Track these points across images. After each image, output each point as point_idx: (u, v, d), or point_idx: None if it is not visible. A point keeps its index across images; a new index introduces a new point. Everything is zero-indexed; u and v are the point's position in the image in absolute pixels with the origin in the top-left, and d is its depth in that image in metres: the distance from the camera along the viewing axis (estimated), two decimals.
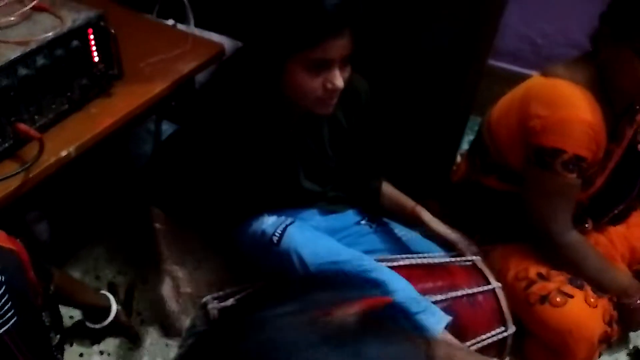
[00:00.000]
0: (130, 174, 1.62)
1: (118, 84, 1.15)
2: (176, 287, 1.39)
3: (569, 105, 1.15)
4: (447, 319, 1.07)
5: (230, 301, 1.16)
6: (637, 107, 1.26)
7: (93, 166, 1.26)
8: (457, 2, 1.31)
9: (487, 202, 1.39)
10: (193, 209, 1.25)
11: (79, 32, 1.02)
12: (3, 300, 0.81)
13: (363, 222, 1.41)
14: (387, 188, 1.37)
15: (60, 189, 1.25)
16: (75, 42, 1.02)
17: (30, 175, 0.95)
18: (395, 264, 1.20)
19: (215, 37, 1.47)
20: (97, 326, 1.31)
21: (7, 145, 0.97)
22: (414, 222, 1.35)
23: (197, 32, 1.48)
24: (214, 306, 1.15)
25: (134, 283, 1.49)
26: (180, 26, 1.47)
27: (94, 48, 1.06)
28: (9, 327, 0.82)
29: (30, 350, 0.88)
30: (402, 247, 1.37)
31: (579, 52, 1.25)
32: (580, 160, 1.15)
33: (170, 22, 1.43)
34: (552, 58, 1.87)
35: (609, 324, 1.22)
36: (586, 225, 1.35)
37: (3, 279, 0.82)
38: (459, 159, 1.66)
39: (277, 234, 1.13)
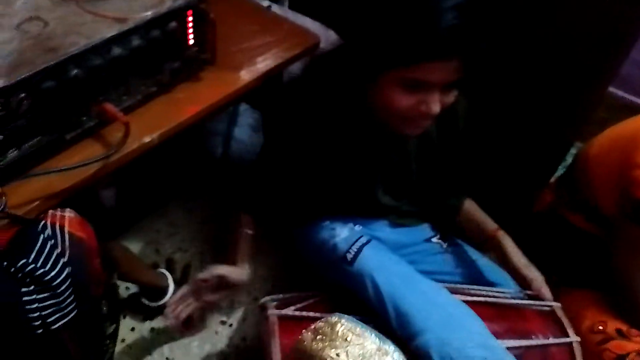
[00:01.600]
0: (202, 155, 1.60)
1: (207, 69, 1.10)
2: None
3: None
4: None
5: (290, 309, 1.11)
6: None
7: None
8: (590, 22, 1.17)
9: (569, 240, 1.29)
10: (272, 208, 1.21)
11: (178, 13, 0.97)
12: (67, 294, 0.79)
13: (434, 239, 1.33)
14: (470, 205, 1.28)
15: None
16: (173, 24, 0.97)
17: (111, 160, 0.92)
18: (468, 298, 1.13)
19: (309, 23, 1.39)
20: (153, 304, 1.31)
21: (91, 124, 0.94)
22: (492, 248, 1.25)
23: (291, 15, 1.41)
24: (273, 312, 1.10)
25: (192, 262, 1.47)
26: (274, 7, 1.39)
27: (190, 31, 1.01)
28: (67, 320, 0.80)
29: (82, 341, 0.86)
30: (473, 274, 1.29)
31: None
32: None
33: (266, 2, 1.35)
34: None
35: None
36: None
37: (70, 271, 0.80)
38: None
39: (351, 251, 1.07)
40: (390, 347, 0.72)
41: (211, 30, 1.02)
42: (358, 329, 0.75)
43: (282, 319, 1.11)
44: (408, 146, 1.15)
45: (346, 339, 0.72)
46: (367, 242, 1.09)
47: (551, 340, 1.11)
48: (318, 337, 0.75)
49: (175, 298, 1.10)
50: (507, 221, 1.35)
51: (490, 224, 1.24)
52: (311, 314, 1.09)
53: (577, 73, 1.22)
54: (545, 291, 1.19)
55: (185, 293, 1.10)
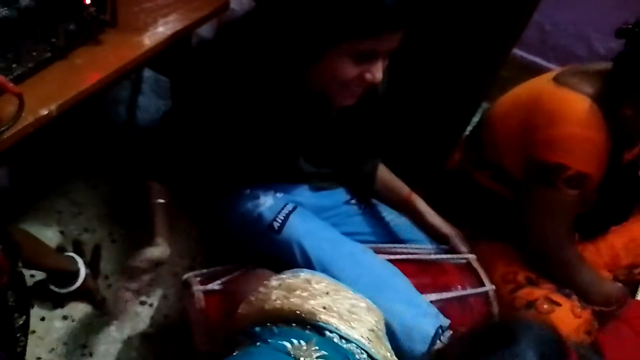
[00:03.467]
0: (104, 125, 1.48)
1: (108, 31, 1.00)
2: None
3: (577, 122, 1.10)
4: (446, 322, 1.03)
5: (216, 284, 1.08)
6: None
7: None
8: None
9: (477, 197, 1.35)
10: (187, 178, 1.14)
11: None
12: None
13: (352, 202, 1.34)
14: (383, 171, 1.30)
15: None
16: None
17: (4, 137, 0.82)
18: (391, 257, 1.15)
19: None
20: (63, 291, 1.21)
21: None
22: (407, 210, 1.29)
23: None
24: (198, 289, 1.06)
25: (102, 243, 1.37)
26: None
27: None
28: None
29: None
30: (390, 233, 1.32)
31: (585, 46, 1.19)
32: (584, 177, 1.12)
33: None
34: (558, 47, 1.82)
35: (589, 333, 1.23)
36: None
37: None
38: None
39: (278, 220, 1.04)
40: (363, 297, 0.71)
41: None
42: (332, 282, 0.72)
43: (207, 293, 1.08)
44: (330, 116, 1.14)
45: (327, 293, 0.70)
46: (293, 209, 1.07)
47: (469, 291, 1.16)
48: (294, 292, 0.69)
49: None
50: (420, 179, 1.40)
51: (403, 189, 1.28)
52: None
53: (484, 35, 1.25)
54: (461, 245, 1.25)
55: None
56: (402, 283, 1.07)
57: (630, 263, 1.38)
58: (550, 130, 1.11)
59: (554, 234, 1.19)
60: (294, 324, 0.66)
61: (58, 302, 1.25)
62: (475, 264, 1.21)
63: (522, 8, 1.24)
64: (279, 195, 1.17)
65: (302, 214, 1.08)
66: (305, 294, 0.69)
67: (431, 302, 1.09)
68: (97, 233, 1.40)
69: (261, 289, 0.72)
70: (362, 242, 1.24)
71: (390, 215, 1.34)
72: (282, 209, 1.07)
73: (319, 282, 0.74)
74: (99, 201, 1.46)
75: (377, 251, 1.17)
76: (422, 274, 1.16)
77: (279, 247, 1.02)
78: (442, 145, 1.50)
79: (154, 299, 1.32)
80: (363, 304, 0.74)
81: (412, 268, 1.16)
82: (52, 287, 1.21)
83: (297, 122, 1.09)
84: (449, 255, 1.22)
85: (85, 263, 1.23)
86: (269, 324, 0.68)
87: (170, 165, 1.11)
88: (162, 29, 1.05)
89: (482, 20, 1.22)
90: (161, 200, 1.10)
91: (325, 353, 0.61)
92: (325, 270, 1.00)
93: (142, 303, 1.31)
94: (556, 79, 1.16)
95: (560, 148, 1.11)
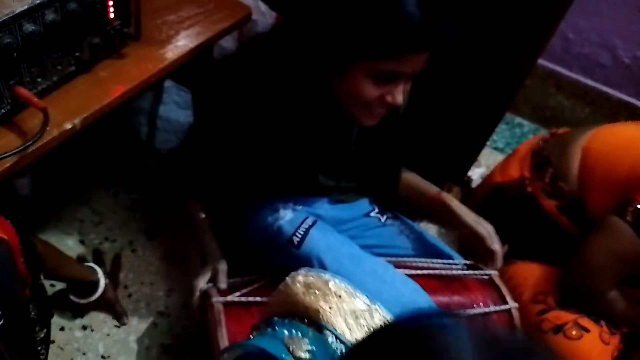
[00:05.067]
0: (125, 134, 1.49)
1: (131, 45, 1.00)
2: None
3: None
4: None
5: (235, 295, 1.07)
6: None
7: None
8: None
9: (538, 224, 1.29)
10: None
11: None
12: None
13: (373, 213, 1.32)
14: (408, 175, 1.27)
15: None
16: None
17: (29, 151, 0.82)
18: (412, 272, 1.13)
19: None
20: (82, 301, 1.22)
21: (3, 111, 0.83)
22: (438, 209, 1.22)
23: None
24: (217, 300, 1.06)
25: (122, 252, 1.38)
26: None
27: (111, 2, 0.91)
28: None
29: (12, 349, 0.78)
30: (412, 246, 1.30)
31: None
32: None
33: None
34: (581, 56, 1.79)
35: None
36: None
37: None
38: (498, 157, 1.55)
39: (298, 234, 1.03)
40: (379, 307, 0.74)
41: (134, 1, 0.92)
42: (349, 288, 0.76)
43: (228, 305, 1.07)
44: (351, 132, 1.13)
45: (339, 296, 0.74)
46: (313, 223, 1.06)
47: (492, 308, 1.14)
48: (310, 290, 0.75)
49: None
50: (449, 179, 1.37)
51: (432, 188, 1.24)
52: (258, 298, 1.06)
53: (510, 44, 1.23)
54: (497, 245, 1.17)
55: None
56: (424, 300, 1.05)
57: None
58: None
59: (603, 276, 1.15)
60: (305, 319, 0.71)
61: (78, 312, 1.26)
62: (498, 280, 1.19)
63: (549, 17, 1.21)
64: (298, 207, 1.16)
65: (323, 228, 1.07)
66: (319, 292, 0.74)
67: None
68: (117, 242, 1.40)
69: (288, 279, 0.77)
70: (381, 255, 1.22)
71: (412, 228, 1.32)
72: (302, 223, 1.06)
73: (337, 284, 0.77)
74: (120, 210, 1.47)
75: (398, 265, 1.15)
76: (443, 290, 1.15)
77: (298, 262, 1.01)
78: (464, 154, 1.48)
79: (172, 309, 1.32)
80: (376, 313, 0.77)
81: (433, 284, 1.14)
82: (72, 297, 1.22)
83: (319, 139, 1.08)
84: (471, 272, 1.20)
85: (104, 273, 1.24)
86: (285, 316, 0.74)
87: (206, 182, 1.12)
88: (184, 42, 1.04)
89: (508, 30, 1.20)
90: (203, 216, 1.12)
91: (314, 349, 0.65)
92: None
93: (161, 314, 1.31)
94: None
95: None
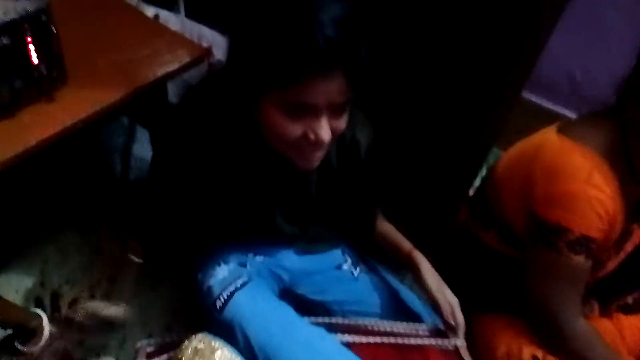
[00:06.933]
0: (99, 173, 1.46)
1: (65, 88, 0.97)
2: None
3: (577, 178, 0.96)
4: None
5: (164, 357, 0.99)
6: None
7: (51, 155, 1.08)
8: (497, 22, 1.08)
9: (483, 260, 1.20)
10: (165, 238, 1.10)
11: (10, 28, 0.83)
12: None
13: (345, 266, 1.23)
14: (384, 226, 1.18)
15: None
16: (5, 39, 0.83)
17: None
18: (365, 340, 1.03)
19: (206, 31, 1.27)
20: (26, 349, 1.16)
21: None
22: (409, 267, 1.14)
23: (187, 23, 1.28)
24: None
25: (80, 297, 1.33)
26: (166, 14, 1.26)
27: (31, 47, 0.87)
28: None
29: None
30: (381, 303, 1.20)
31: None
32: (589, 241, 0.97)
33: (152, 10, 1.22)
34: (590, 98, 1.65)
35: None
36: (592, 309, 1.18)
37: None
38: None
39: (221, 298, 0.94)
40: None
41: (56, 46, 0.88)
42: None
43: None
44: (309, 173, 1.04)
45: None
46: (242, 285, 0.96)
47: None
48: (196, 358, 0.82)
49: (41, 344, 0.98)
50: (426, 238, 1.27)
51: (405, 244, 1.15)
52: None
53: (489, 72, 1.13)
54: (455, 317, 1.09)
55: (53, 334, 1.02)
56: None
57: None
58: (549, 186, 0.98)
59: (559, 303, 1.03)
60: None
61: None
62: (464, 352, 1.06)
63: (530, 42, 1.11)
64: (257, 259, 1.08)
65: (252, 291, 0.97)
66: None
67: None
68: (77, 285, 1.36)
69: (185, 342, 0.83)
70: (350, 311, 1.15)
71: (387, 284, 1.22)
72: (231, 284, 0.96)
73: (225, 355, 0.82)
74: (86, 251, 1.43)
75: (354, 330, 1.05)
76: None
77: (221, 328, 0.92)
78: (447, 198, 1.36)
79: None
80: None
81: (388, 353, 1.03)
82: (16, 343, 1.17)
83: (266, 180, 1.00)
84: (435, 340, 1.08)
85: (55, 320, 1.19)
86: None
87: (150, 222, 1.06)
88: (121, 84, 1.00)
89: (487, 55, 1.10)
90: (136, 259, 1.05)
91: None
92: (270, 358, 0.89)
93: None
94: (560, 129, 1.03)
95: (560, 207, 0.97)
